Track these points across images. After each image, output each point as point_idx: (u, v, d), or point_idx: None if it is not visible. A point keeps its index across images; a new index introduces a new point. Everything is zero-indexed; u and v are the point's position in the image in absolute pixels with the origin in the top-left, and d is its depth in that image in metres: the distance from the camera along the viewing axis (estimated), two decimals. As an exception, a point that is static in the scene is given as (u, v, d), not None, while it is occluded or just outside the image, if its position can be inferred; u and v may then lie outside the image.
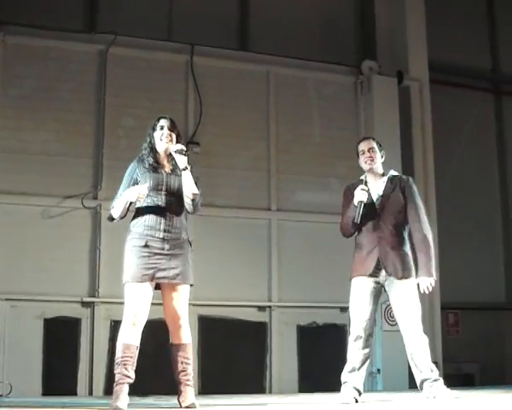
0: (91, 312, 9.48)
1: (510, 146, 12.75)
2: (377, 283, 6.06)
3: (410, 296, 6.06)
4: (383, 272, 6.04)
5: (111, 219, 5.66)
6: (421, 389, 6.02)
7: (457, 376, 9.93)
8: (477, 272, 11.81)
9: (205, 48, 10.54)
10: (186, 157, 5.58)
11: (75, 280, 9.45)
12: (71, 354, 9.34)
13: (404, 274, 6.05)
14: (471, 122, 12.25)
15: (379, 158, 6.29)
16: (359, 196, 6.00)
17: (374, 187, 6.19)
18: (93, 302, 9.49)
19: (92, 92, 10.02)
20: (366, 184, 6.18)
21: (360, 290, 6.06)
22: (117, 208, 5.57)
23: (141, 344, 5.44)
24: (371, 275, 6.04)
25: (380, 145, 6.35)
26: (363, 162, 6.27)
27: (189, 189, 5.56)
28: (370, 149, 6.26)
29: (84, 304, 9.50)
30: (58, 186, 9.57)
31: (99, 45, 10.10)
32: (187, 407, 5.46)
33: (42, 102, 9.72)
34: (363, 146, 6.30)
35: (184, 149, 5.61)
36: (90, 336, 9.43)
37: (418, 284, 6.02)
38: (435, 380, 5.96)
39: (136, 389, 5.57)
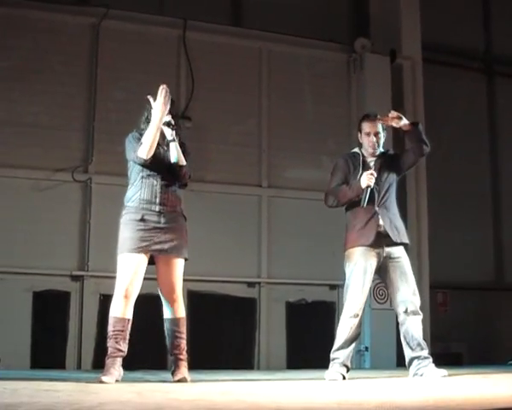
0: (81, 285, 9.46)
1: (501, 126, 12.74)
2: (378, 255, 6.01)
3: (409, 268, 6.07)
4: (384, 243, 6.01)
5: (143, 160, 5.51)
6: (410, 366, 6.05)
7: (445, 355, 9.95)
8: (466, 252, 11.83)
9: (198, 23, 10.46)
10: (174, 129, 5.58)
11: (65, 254, 9.43)
12: (59, 328, 9.33)
13: (403, 239, 6.08)
14: (463, 101, 12.25)
15: (382, 140, 6.23)
16: (367, 181, 5.92)
17: (370, 162, 6.18)
18: (82, 276, 9.46)
19: (84, 65, 9.94)
20: (364, 161, 6.15)
21: (362, 264, 5.98)
22: (145, 145, 5.46)
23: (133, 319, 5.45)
24: (372, 246, 5.97)
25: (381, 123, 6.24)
26: (368, 145, 6.18)
27: (177, 160, 5.58)
28: (376, 134, 6.18)
29: (74, 278, 9.48)
30: (48, 159, 9.51)
31: (91, 18, 9.99)
32: (178, 381, 5.48)
33: (32, 74, 9.62)
34: (368, 128, 6.20)
35: (172, 121, 5.60)
36: (79, 309, 9.42)
37: None
38: (424, 358, 5.99)
39: (125, 363, 5.58)
